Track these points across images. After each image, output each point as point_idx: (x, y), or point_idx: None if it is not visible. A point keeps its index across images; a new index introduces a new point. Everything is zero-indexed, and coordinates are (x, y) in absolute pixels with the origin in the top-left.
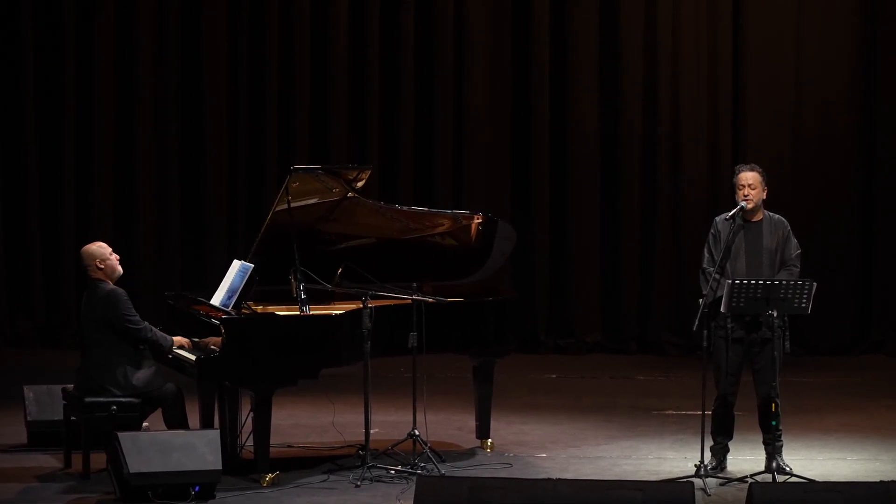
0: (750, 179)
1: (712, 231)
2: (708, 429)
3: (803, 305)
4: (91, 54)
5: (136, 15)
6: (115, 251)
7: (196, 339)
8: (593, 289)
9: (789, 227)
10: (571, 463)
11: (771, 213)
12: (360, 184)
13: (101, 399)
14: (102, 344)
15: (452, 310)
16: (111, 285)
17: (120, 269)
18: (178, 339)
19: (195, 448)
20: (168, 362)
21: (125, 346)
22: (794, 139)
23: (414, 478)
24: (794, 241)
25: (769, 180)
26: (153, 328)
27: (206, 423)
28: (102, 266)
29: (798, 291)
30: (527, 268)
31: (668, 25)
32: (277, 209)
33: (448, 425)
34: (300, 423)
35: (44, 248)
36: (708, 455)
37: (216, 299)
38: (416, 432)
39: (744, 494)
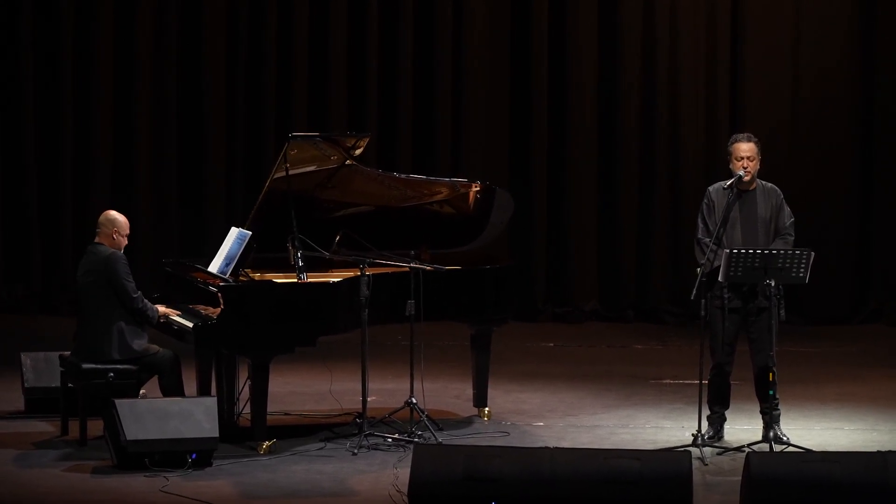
0: (749, 151)
1: (706, 201)
2: (705, 398)
3: (801, 275)
4: (90, 21)
5: None
6: None
7: (192, 307)
8: (591, 257)
9: (782, 196)
10: (569, 431)
11: (763, 182)
12: (358, 151)
13: (99, 366)
14: (101, 306)
15: (450, 278)
16: (111, 249)
17: (123, 248)
18: (162, 308)
19: (192, 415)
20: (166, 329)
21: (123, 309)
22: (792, 107)
23: (411, 446)
24: (788, 209)
25: (766, 149)
26: (145, 299)
27: (203, 391)
28: (115, 238)
29: (796, 261)
30: (524, 236)
31: None
32: (275, 176)
33: (445, 393)
34: (297, 390)
35: (41, 214)
36: (705, 424)
37: (214, 266)
38: (414, 400)
39: (741, 464)
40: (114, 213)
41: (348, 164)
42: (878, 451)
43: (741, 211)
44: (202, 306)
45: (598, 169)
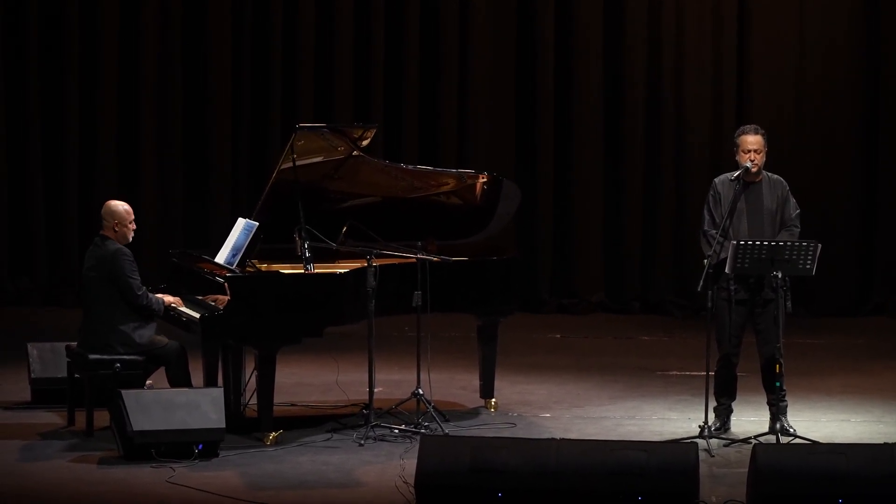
0: (756, 143)
1: (711, 193)
2: (711, 390)
3: (808, 267)
4: (95, 13)
5: None
6: None
7: (200, 298)
8: (597, 249)
9: (788, 187)
10: (575, 423)
11: (769, 174)
12: (365, 142)
13: (105, 357)
14: (106, 301)
15: (457, 269)
16: (118, 244)
17: (130, 238)
18: (167, 298)
19: (199, 406)
20: (172, 320)
21: (127, 306)
22: (797, 100)
23: (417, 437)
24: (793, 200)
25: (771, 142)
26: (149, 294)
27: (210, 382)
28: (117, 230)
29: (803, 252)
30: (531, 227)
31: None
32: (282, 167)
33: (452, 384)
34: (304, 381)
35: (47, 205)
36: (711, 416)
37: (220, 257)
38: (420, 391)
39: (747, 455)
40: (113, 205)
41: (355, 155)
42: (885, 443)
43: (747, 202)
44: (211, 296)
45: (604, 161)
